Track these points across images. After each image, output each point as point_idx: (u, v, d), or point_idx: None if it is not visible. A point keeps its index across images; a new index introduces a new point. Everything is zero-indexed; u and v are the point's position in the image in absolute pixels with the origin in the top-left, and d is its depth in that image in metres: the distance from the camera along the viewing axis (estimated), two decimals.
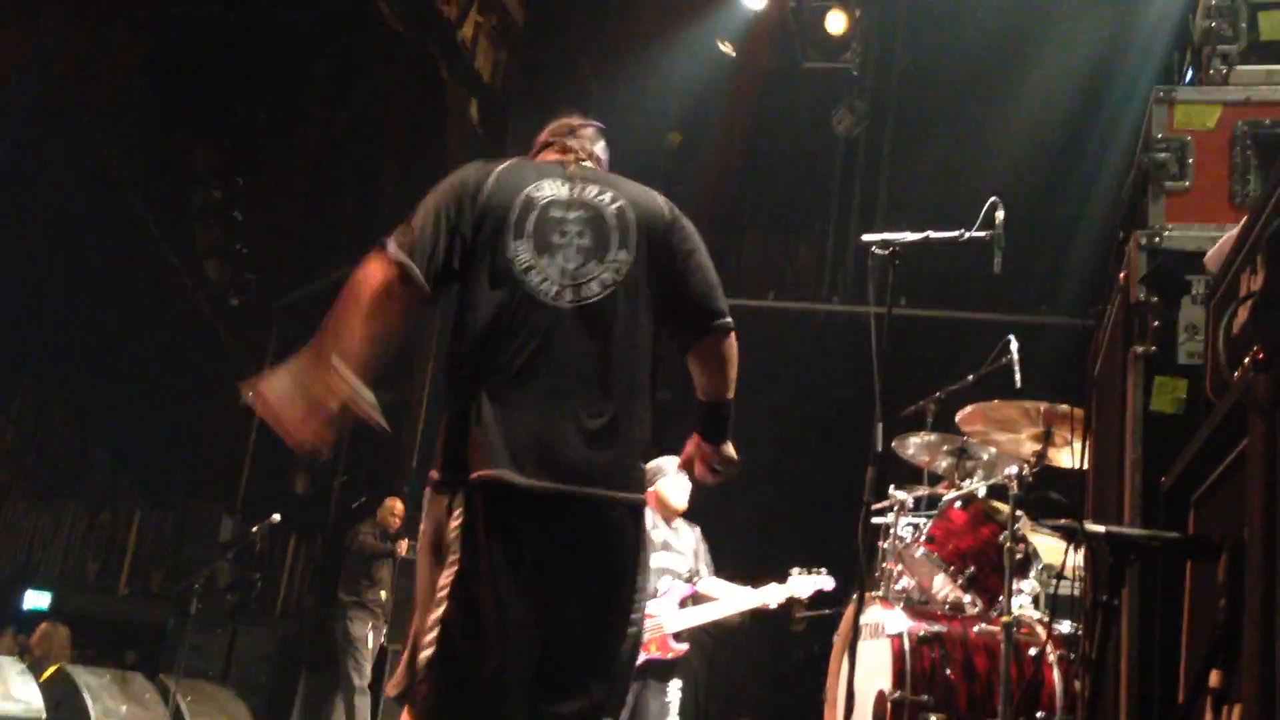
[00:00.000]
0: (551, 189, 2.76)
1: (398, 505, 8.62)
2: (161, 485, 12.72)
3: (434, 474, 2.67)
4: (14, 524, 12.77)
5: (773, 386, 10.52)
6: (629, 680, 2.74)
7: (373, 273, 2.66)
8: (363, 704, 7.97)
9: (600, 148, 3.00)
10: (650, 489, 5.28)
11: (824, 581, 5.36)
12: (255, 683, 9.68)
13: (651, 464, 5.34)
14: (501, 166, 2.83)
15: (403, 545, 8.31)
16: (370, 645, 8.13)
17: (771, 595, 5.32)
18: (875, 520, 4.93)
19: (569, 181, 2.79)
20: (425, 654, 2.55)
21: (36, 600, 12.21)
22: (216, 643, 9.88)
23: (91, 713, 7.58)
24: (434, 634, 2.55)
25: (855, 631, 4.09)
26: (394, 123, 12.55)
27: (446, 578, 2.55)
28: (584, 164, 2.88)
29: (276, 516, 9.11)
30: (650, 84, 11.42)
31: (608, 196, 2.77)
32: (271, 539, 11.03)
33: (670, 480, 5.30)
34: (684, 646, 5.21)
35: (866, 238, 4.22)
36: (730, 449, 2.95)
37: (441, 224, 2.70)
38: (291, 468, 12.14)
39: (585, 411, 2.61)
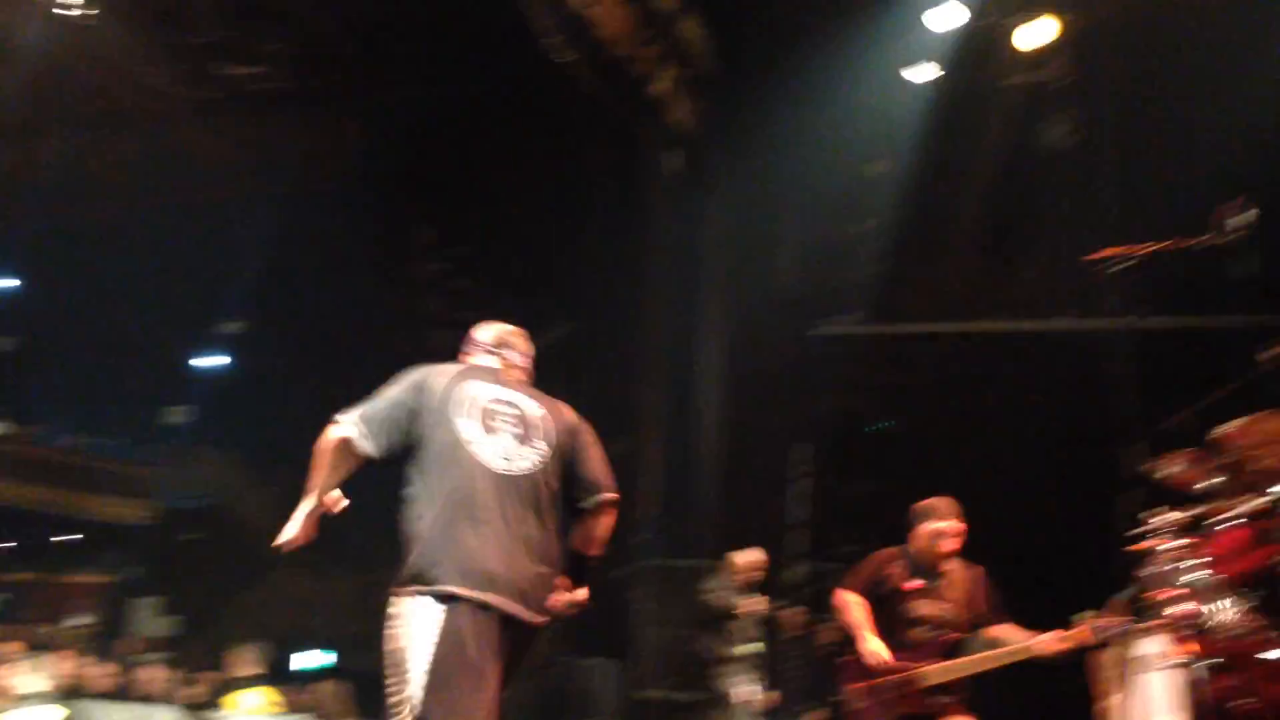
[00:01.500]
0: (490, 390, 3.82)
1: (755, 556, 8.26)
2: None
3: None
4: (287, 591, 13.57)
5: (1006, 415, 10.20)
6: None
7: (327, 435, 3.74)
8: None
9: (526, 348, 4.16)
10: (916, 528, 5.14)
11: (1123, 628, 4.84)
12: None
13: (923, 504, 5.22)
14: (455, 368, 3.91)
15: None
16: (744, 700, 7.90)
17: (1052, 644, 4.87)
18: (1142, 546, 4.71)
19: (504, 385, 3.90)
20: None
21: (319, 659, 12.95)
22: None
23: None
24: None
25: (1133, 664, 3.94)
26: (597, 183, 12.86)
27: None
28: (514, 371, 4.06)
29: None
30: (846, 115, 11.38)
31: (533, 404, 3.88)
32: None
33: (933, 525, 5.10)
34: (946, 698, 4.94)
35: (1098, 251, 4.10)
36: (584, 593, 3.84)
37: (396, 407, 3.70)
38: None
39: (512, 547, 3.56)
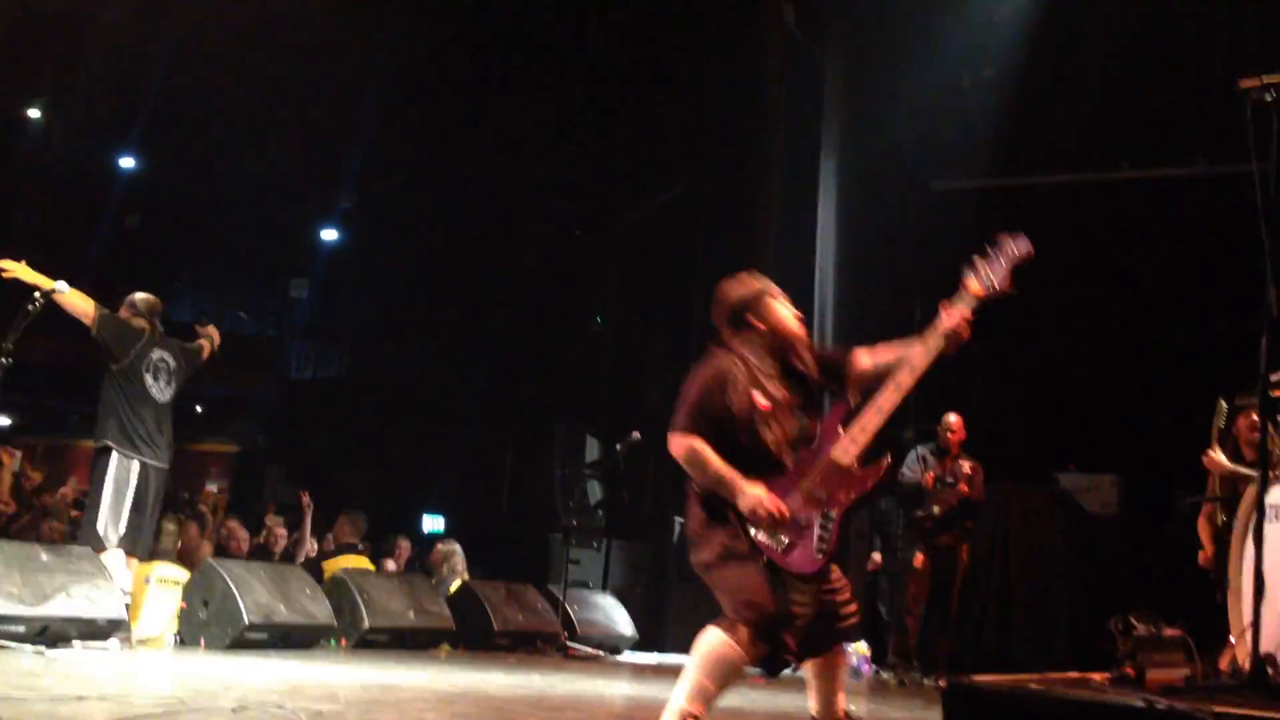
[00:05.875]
0: (159, 350, 6.91)
1: (952, 419, 8.01)
2: (528, 410, 13.48)
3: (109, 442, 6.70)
4: (405, 457, 14.01)
5: (1135, 264, 9.75)
6: None
7: None
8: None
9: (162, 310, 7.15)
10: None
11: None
12: (630, 592, 10.14)
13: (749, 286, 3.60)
14: (145, 338, 6.83)
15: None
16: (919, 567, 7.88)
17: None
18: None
19: (159, 346, 6.93)
20: None
21: (432, 524, 13.40)
22: (593, 556, 10.44)
23: (494, 622, 8.26)
24: None
25: (1260, 513, 3.81)
26: (708, 38, 12.49)
27: None
28: (159, 330, 7.00)
29: (637, 434, 9.38)
30: None
31: (170, 355, 6.97)
32: (631, 457, 11.35)
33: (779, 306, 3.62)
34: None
35: (1245, 82, 3.85)
36: None
37: (137, 355, 6.89)
38: (646, 384, 12.47)
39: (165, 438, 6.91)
